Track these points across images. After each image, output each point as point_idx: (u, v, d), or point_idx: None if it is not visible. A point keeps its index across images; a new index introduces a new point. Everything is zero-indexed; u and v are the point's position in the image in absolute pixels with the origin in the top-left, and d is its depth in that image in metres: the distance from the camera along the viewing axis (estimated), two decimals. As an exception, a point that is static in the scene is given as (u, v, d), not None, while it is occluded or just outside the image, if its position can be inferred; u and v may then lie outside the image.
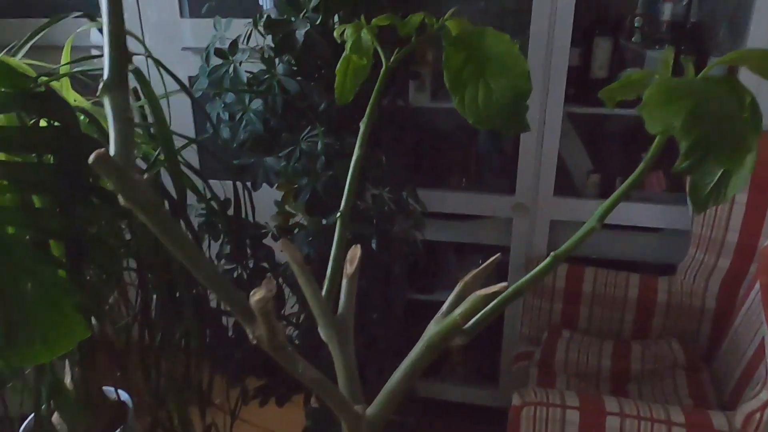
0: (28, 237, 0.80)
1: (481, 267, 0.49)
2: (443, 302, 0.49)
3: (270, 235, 1.41)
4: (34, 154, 0.86)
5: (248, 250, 1.37)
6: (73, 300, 0.78)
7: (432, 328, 0.48)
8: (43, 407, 1.04)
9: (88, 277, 0.91)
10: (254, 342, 0.40)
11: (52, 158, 0.87)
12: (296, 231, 1.47)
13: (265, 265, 1.37)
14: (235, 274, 1.35)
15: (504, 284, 0.43)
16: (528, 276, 0.45)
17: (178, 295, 1.11)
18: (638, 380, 1.42)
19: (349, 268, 0.57)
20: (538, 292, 1.60)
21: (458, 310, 0.45)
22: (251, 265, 1.37)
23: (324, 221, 1.32)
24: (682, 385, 1.36)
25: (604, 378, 1.43)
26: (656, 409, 1.07)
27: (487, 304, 0.44)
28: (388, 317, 1.49)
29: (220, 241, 1.28)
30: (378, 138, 1.36)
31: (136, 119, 1.08)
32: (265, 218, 1.40)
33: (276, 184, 1.35)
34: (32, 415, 1.21)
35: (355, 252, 0.57)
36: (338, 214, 0.59)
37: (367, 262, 1.34)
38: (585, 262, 1.62)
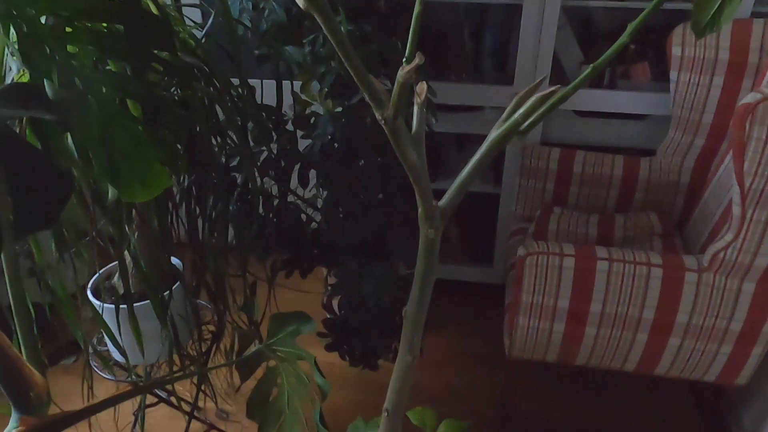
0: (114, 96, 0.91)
1: (532, 84, 0.63)
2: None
3: (290, 122, 1.53)
4: (105, 24, 0.96)
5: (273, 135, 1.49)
6: (156, 154, 0.91)
7: (493, 132, 0.63)
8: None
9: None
10: (381, 122, 0.54)
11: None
12: (312, 120, 1.59)
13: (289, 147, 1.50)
14: (263, 157, 1.48)
15: (558, 86, 0.58)
16: (571, 86, 0.60)
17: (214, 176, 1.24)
18: (620, 246, 1.62)
19: (419, 99, 0.70)
20: (532, 173, 1.77)
21: (519, 112, 0.60)
22: (276, 149, 1.50)
23: (347, 103, 1.44)
24: (658, 248, 1.57)
25: (591, 244, 1.64)
26: (638, 254, 1.27)
27: (543, 105, 0.59)
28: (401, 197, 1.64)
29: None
30: (396, 24, 1.46)
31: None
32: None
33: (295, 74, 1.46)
34: (96, 275, 1.37)
35: (422, 86, 0.71)
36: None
37: (386, 145, 1.48)
38: (577, 147, 1.78)
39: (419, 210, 0.69)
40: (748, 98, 1.05)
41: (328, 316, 1.55)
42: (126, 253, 1.18)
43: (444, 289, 2.18)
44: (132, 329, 1.16)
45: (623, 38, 0.58)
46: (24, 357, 0.93)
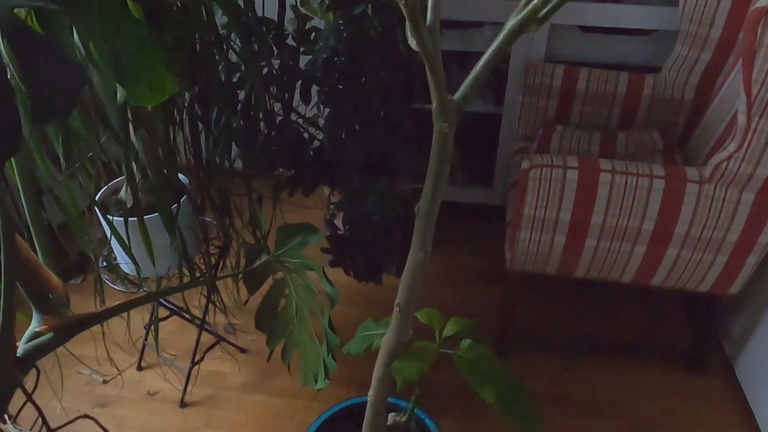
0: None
1: (551, -31, 0.62)
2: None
3: (290, 37, 1.49)
4: None
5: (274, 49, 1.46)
6: (161, 57, 0.89)
7: (511, 20, 0.63)
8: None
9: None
10: (401, 3, 0.54)
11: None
12: (312, 35, 1.55)
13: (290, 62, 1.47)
14: (264, 72, 1.45)
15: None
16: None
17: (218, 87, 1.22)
18: (621, 162, 1.63)
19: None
20: (535, 90, 1.75)
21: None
22: (277, 65, 1.47)
23: (349, 14, 1.40)
24: (659, 164, 1.58)
25: (592, 162, 1.65)
26: (641, 166, 1.28)
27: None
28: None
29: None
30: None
31: None
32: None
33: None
34: (104, 188, 1.38)
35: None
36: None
37: (389, 59, 1.45)
38: (581, 65, 1.76)
39: (433, 104, 0.69)
40: (762, 2, 1.03)
41: (332, 233, 1.57)
42: (133, 164, 1.18)
43: (443, 211, 2.20)
44: (142, 240, 1.18)
45: None
46: (40, 257, 0.95)
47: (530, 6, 0.60)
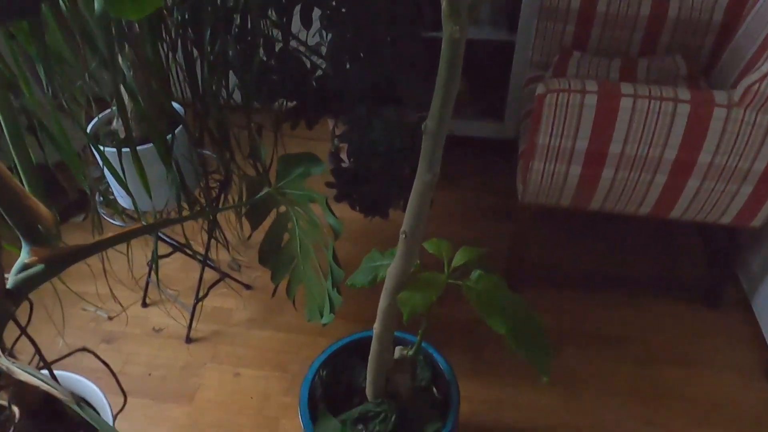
0: None
1: None
2: None
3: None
4: None
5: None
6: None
7: None
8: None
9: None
10: None
11: None
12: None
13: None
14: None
15: None
16: None
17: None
18: (641, 90, 1.54)
19: None
20: (552, 14, 1.64)
21: None
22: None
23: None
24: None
25: (611, 89, 1.55)
26: (665, 89, 1.19)
27: None
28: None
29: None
30: None
31: None
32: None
33: None
34: (97, 118, 1.31)
35: None
36: None
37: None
38: (600, -16, 1.64)
39: (443, 5, 0.61)
40: None
41: (337, 165, 1.51)
42: (122, 90, 1.11)
43: (452, 145, 2.13)
44: (137, 171, 1.12)
45: None
46: (27, 190, 0.90)
47: None
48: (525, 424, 1.34)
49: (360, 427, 1.02)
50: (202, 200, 1.37)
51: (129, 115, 1.22)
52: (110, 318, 1.60)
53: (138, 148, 1.18)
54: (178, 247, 1.49)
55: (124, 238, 0.98)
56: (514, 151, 1.71)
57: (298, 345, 1.53)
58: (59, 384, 0.83)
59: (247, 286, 1.68)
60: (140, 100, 1.09)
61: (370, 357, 0.97)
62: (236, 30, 1.32)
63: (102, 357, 1.52)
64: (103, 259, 1.49)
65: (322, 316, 1.16)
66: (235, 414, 1.37)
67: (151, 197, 1.15)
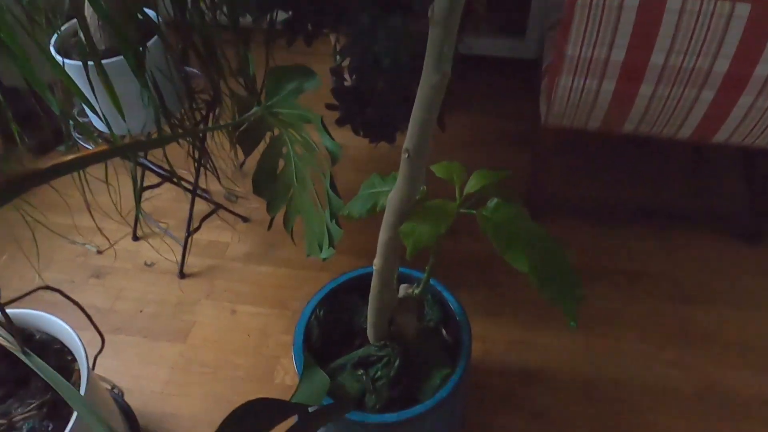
0: None
1: None
2: None
3: None
4: None
5: None
6: None
7: None
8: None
9: None
10: None
11: None
12: None
13: None
14: None
15: None
16: None
17: None
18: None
19: None
20: None
21: None
22: None
23: None
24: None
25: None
26: (722, -13, 1.01)
27: None
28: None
29: None
30: None
31: None
32: None
33: None
34: (64, 27, 1.16)
35: None
36: None
37: None
38: None
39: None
40: None
41: (337, 84, 1.35)
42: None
43: (469, 65, 1.94)
44: (104, 88, 0.98)
45: None
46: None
47: None
48: (543, 366, 1.24)
49: (360, 372, 0.92)
50: (188, 123, 1.24)
51: (91, 21, 1.06)
52: (99, 252, 1.51)
53: (106, 61, 1.04)
54: (164, 176, 1.37)
55: (88, 161, 0.85)
56: (535, 71, 1.54)
57: (299, 281, 1.42)
58: (11, 324, 0.73)
59: (244, 219, 1.56)
60: (102, 4, 0.93)
61: (370, 296, 0.86)
62: None
63: (91, 293, 1.44)
64: (84, 188, 1.38)
65: (321, 250, 1.04)
66: (232, 353, 1.29)
67: (123, 117, 1.01)
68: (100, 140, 1.20)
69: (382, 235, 0.75)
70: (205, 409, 1.20)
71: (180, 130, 1.19)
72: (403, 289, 0.93)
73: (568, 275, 0.67)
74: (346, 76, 1.40)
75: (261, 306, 1.37)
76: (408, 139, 0.64)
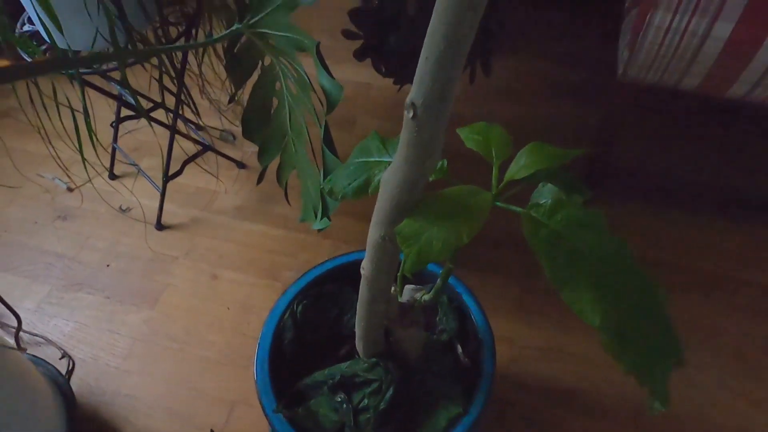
0: None
1: None
2: None
3: None
4: None
5: None
6: None
7: None
8: None
9: None
10: None
11: None
12: None
13: None
14: None
15: None
16: None
17: None
18: None
19: None
20: None
21: None
22: None
23: None
24: None
25: None
26: None
27: None
28: None
29: None
30: None
31: None
32: None
33: None
34: None
35: None
36: None
37: None
38: None
39: None
40: None
41: (359, 6, 1.06)
42: None
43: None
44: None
45: None
46: None
47: None
48: (580, 382, 0.99)
49: (340, 397, 0.68)
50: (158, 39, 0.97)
51: None
52: (70, 189, 1.29)
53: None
54: (139, 111, 1.12)
55: (22, 73, 0.60)
56: (611, 3, 1.21)
57: (296, 246, 1.18)
58: None
59: (240, 164, 1.32)
60: None
61: (358, 304, 0.61)
62: None
63: (54, 237, 1.23)
64: (53, 114, 1.15)
65: (316, 217, 0.80)
66: (205, 327, 1.07)
67: (60, 29, 0.75)
68: (47, 54, 0.95)
69: (373, 232, 0.49)
70: (166, 394, 1.00)
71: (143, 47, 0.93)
72: (408, 292, 0.68)
73: (664, 334, 0.41)
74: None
75: (247, 273, 1.14)
76: (416, 86, 0.37)
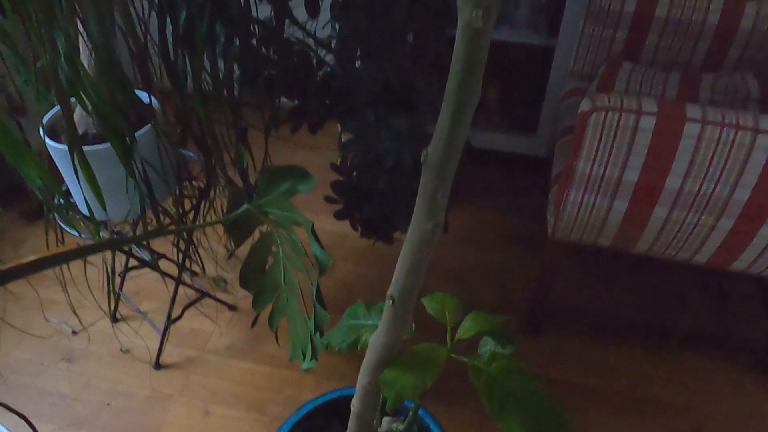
0: None
1: None
2: None
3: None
4: None
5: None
6: None
7: None
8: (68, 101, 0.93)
9: None
10: None
11: None
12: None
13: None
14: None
15: None
16: None
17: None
18: (703, 112, 1.30)
19: None
20: (601, 17, 1.41)
21: None
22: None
23: None
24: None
25: (666, 109, 1.32)
26: (743, 116, 0.96)
27: None
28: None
29: None
30: None
31: None
32: None
33: None
34: (56, 108, 1.13)
35: None
36: None
37: None
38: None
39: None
40: None
41: (339, 179, 1.30)
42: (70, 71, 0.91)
43: (477, 159, 1.90)
44: (85, 176, 0.93)
45: None
46: None
47: None
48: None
49: None
50: (178, 209, 1.18)
51: (89, 111, 1.02)
52: (75, 333, 1.42)
53: (90, 147, 1.00)
54: (147, 263, 1.30)
55: (61, 259, 0.78)
56: (546, 170, 1.49)
57: (281, 382, 1.32)
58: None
59: (231, 307, 1.48)
60: (88, 87, 0.89)
61: (347, 434, 0.76)
62: (227, 13, 1.12)
63: (59, 378, 1.35)
64: (62, 267, 1.31)
65: (304, 357, 0.96)
66: (199, 462, 1.18)
67: (104, 207, 0.96)
68: (83, 224, 1.14)
69: (362, 378, 0.66)
70: None
71: (165, 220, 1.13)
72: (386, 423, 0.84)
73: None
74: (348, 170, 1.35)
75: (237, 408, 1.27)
76: (394, 283, 0.57)
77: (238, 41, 1.15)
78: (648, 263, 1.59)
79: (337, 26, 1.28)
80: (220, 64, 1.11)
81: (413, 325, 0.68)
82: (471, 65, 0.43)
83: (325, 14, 1.23)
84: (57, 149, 1.04)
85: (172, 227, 1.14)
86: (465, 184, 1.84)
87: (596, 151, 1.03)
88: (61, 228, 1.18)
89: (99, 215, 1.07)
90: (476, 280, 1.55)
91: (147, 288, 1.52)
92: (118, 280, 1.44)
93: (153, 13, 0.97)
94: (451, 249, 1.64)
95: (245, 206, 1.02)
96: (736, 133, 0.95)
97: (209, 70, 1.08)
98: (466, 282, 1.54)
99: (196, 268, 1.50)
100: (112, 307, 1.44)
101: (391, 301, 0.57)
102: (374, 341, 0.62)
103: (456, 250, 1.64)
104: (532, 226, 1.69)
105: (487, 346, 0.69)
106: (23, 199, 1.72)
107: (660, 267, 1.58)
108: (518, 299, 1.49)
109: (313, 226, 0.93)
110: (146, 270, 1.52)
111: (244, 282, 1.08)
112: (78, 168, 0.96)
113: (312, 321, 0.94)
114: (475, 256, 1.62)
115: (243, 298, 1.50)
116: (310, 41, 1.26)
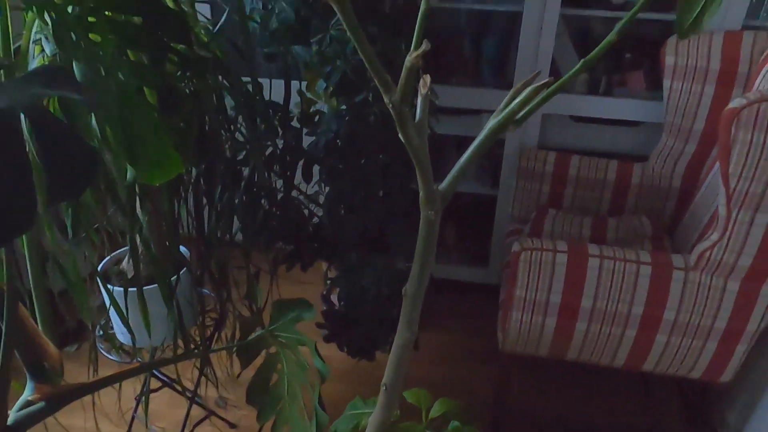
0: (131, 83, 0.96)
1: (528, 78, 0.68)
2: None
3: (295, 119, 1.59)
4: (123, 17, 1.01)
5: (279, 130, 1.55)
6: (170, 139, 0.96)
7: (491, 121, 0.69)
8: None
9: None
10: (389, 105, 0.59)
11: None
12: (317, 118, 1.65)
13: (293, 143, 1.56)
14: (268, 152, 1.53)
15: (551, 78, 0.63)
16: (563, 78, 0.65)
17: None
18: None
19: (423, 90, 0.76)
20: (529, 176, 1.82)
21: (515, 102, 0.65)
22: (281, 144, 1.56)
23: (351, 101, 1.49)
24: (648, 250, 1.62)
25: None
26: (629, 252, 1.32)
27: (537, 96, 0.64)
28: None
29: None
30: (400, 26, 1.51)
31: None
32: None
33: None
34: (107, 257, 1.41)
35: (427, 78, 0.76)
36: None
37: (388, 144, 1.53)
38: (572, 152, 1.84)
39: (420, 194, 0.74)
40: (734, 103, 1.10)
41: (327, 308, 1.60)
42: (137, 237, 1.22)
43: (440, 288, 2.23)
44: (140, 311, 1.20)
45: (611, 36, 0.63)
46: (40, 329, 0.98)
47: (508, 110, 0.66)
48: None
49: None
50: (197, 337, 1.44)
51: (140, 257, 1.32)
52: (91, 454, 1.59)
53: (144, 288, 1.28)
54: (168, 383, 1.53)
55: (122, 377, 1.04)
56: (497, 295, 1.81)
57: (278, 490, 1.50)
58: None
59: (232, 425, 1.68)
60: (152, 246, 1.20)
61: (349, 506, 0.99)
62: (244, 182, 1.47)
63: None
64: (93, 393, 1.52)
65: (306, 458, 1.18)
66: None
67: (150, 336, 1.22)
68: (121, 351, 1.38)
69: (363, 451, 0.92)
70: None
71: (192, 345, 1.39)
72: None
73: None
74: (334, 298, 1.65)
75: None
76: (386, 375, 0.85)
77: (246, 200, 1.49)
78: (583, 367, 1.88)
79: (324, 186, 1.65)
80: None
81: (398, 412, 0.95)
82: (429, 237, 0.76)
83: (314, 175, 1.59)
84: (113, 291, 1.31)
85: (196, 351, 1.39)
86: (433, 310, 2.14)
87: (528, 280, 1.36)
88: (96, 355, 1.41)
89: (140, 343, 1.32)
90: (446, 390, 1.80)
91: (156, 410, 1.72)
92: (133, 403, 1.64)
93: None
94: (422, 365, 1.90)
95: (260, 331, 1.30)
96: (624, 265, 1.30)
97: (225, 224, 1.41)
98: (437, 392, 1.79)
99: (201, 390, 1.71)
100: (127, 429, 1.63)
101: (384, 388, 0.85)
102: (372, 420, 0.89)
103: (427, 366, 1.90)
104: (489, 342, 1.98)
105: (453, 425, 0.96)
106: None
107: (594, 370, 1.87)
108: (481, 407, 1.74)
109: (316, 345, 1.21)
110: (155, 395, 1.73)
111: (251, 398, 1.32)
112: (128, 304, 1.24)
113: (314, 423, 1.19)
114: (442, 370, 1.89)
115: (243, 416, 1.71)
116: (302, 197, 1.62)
